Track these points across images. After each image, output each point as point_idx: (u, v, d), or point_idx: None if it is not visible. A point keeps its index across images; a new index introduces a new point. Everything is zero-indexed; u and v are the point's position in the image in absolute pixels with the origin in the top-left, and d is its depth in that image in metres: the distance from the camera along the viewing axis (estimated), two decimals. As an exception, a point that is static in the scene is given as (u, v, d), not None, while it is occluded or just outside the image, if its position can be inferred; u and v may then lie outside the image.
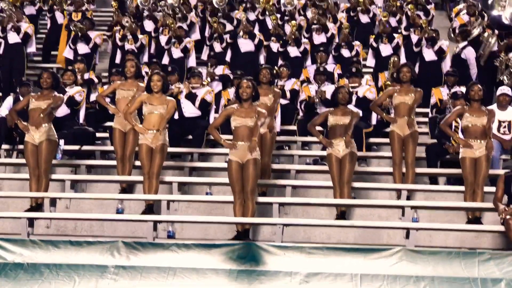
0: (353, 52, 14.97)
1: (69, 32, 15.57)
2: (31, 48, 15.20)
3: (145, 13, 16.53)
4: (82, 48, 15.14)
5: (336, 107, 10.05)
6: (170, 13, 16.22)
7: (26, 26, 14.86)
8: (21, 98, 11.61)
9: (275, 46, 15.25)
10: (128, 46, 15.14)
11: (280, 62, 14.47)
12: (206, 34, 16.32)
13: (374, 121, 12.21)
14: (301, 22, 16.05)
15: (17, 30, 14.71)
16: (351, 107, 10.58)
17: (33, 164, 10.15)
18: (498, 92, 11.27)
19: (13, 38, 14.69)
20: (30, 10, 17.03)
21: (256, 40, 15.16)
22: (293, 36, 15.04)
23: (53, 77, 10.43)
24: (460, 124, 10.31)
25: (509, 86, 11.75)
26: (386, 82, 13.28)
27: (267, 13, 16.59)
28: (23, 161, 10.72)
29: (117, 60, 15.27)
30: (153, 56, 15.17)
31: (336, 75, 13.94)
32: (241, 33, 15.28)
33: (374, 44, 15.15)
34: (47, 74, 10.43)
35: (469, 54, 14.18)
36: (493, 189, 9.66)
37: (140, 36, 15.29)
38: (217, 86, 13.73)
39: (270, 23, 16.14)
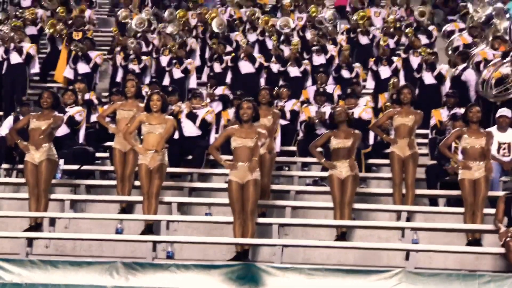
0: (353, 73, 15.01)
1: (69, 51, 15.62)
2: (34, 69, 15.20)
3: (138, 34, 16.61)
4: (82, 68, 15.17)
5: (337, 128, 10.06)
6: (170, 35, 16.29)
7: (28, 47, 14.88)
8: (21, 118, 11.62)
9: (275, 67, 15.30)
10: (131, 66, 15.20)
11: (280, 82, 14.50)
12: (206, 55, 16.36)
13: (371, 141, 12.22)
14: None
15: (19, 50, 14.74)
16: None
17: (33, 183, 10.13)
18: (498, 114, 11.28)
19: (15, 58, 14.71)
20: (31, 30, 17.08)
21: (257, 64, 15.19)
22: (293, 56, 15.09)
23: (53, 97, 10.45)
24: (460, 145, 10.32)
25: (494, 102, 11.74)
26: (386, 104, 13.29)
27: (267, 34, 16.66)
28: (22, 180, 10.71)
29: (118, 79, 15.32)
30: (154, 77, 15.20)
31: (336, 96, 13.96)
32: (241, 56, 15.32)
33: (374, 68, 15.19)
34: (47, 94, 10.45)
35: (469, 75, 14.18)
36: (493, 211, 9.64)
37: (143, 58, 15.34)
38: (217, 106, 13.74)
39: (270, 44, 16.18)
